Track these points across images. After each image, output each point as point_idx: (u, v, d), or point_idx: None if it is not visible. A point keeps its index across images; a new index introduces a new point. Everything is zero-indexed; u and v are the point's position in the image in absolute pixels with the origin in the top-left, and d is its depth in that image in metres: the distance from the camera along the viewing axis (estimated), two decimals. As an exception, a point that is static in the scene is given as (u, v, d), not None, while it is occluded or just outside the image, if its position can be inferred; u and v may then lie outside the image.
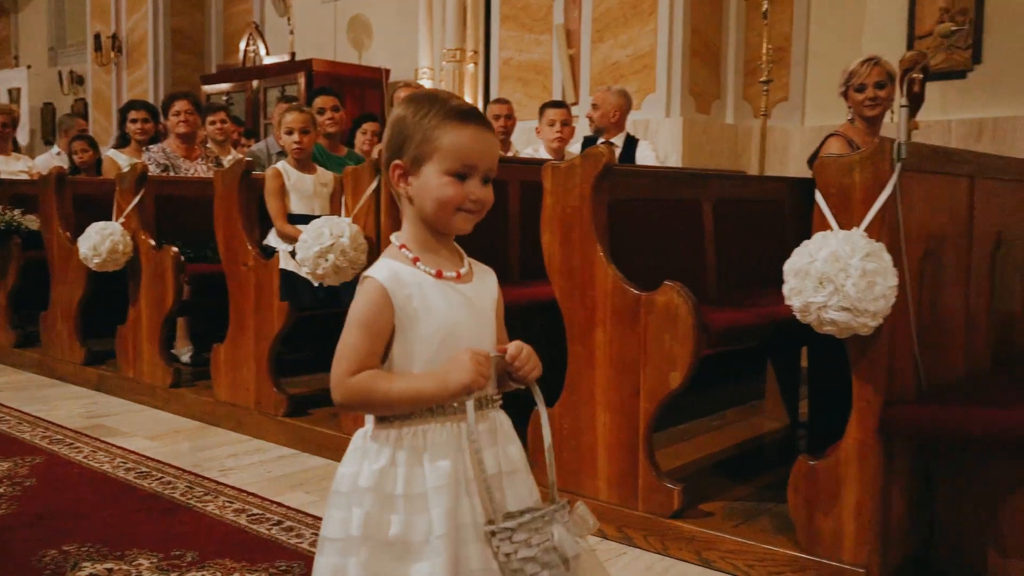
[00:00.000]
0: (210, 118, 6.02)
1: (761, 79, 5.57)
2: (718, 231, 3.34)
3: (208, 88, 10.26)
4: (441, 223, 1.45)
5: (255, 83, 9.83)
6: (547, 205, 2.85)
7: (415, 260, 1.46)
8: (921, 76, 4.94)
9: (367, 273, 1.45)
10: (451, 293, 1.46)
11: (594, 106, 5.36)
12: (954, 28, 5.78)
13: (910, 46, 6.60)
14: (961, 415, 2.23)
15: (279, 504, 2.92)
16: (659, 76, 6.83)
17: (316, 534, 2.62)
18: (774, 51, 6.57)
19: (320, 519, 2.74)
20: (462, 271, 1.50)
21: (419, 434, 1.42)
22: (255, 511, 2.85)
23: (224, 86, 10.16)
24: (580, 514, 1.44)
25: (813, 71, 7.18)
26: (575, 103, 7.04)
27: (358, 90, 9.38)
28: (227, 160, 5.47)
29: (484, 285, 1.54)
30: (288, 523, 2.75)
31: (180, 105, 5.34)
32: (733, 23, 7.16)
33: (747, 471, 3.15)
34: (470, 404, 1.40)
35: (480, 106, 8.67)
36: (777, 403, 3.83)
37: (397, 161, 1.45)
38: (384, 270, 1.44)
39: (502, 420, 1.52)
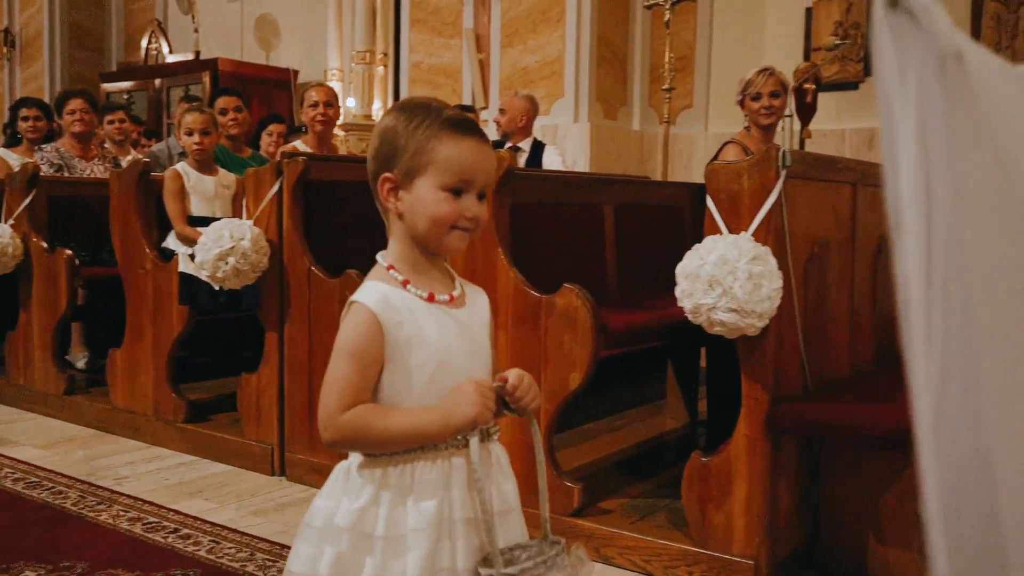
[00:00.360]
0: (108, 117, 5.86)
1: (664, 87, 5.71)
2: (619, 235, 3.42)
3: (108, 86, 9.97)
4: (434, 242, 1.34)
5: (158, 82, 9.59)
6: (450, 209, 2.87)
7: (405, 282, 1.35)
8: (814, 87, 5.14)
9: (354, 298, 1.34)
10: (444, 318, 1.35)
11: (502, 111, 5.41)
12: (838, 42, 6.03)
13: (807, 57, 6.86)
14: (843, 412, 2.34)
15: (176, 512, 2.87)
16: (567, 82, 6.93)
17: (214, 541, 2.61)
18: (678, 60, 6.74)
19: (220, 526, 2.73)
20: (455, 294, 1.38)
21: (407, 472, 1.30)
22: (151, 519, 2.79)
23: (125, 84, 9.90)
24: (578, 555, 1.36)
25: (716, 79, 7.40)
26: (485, 107, 7.10)
27: (265, 91, 9.26)
28: (126, 161, 5.33)
29: (476, 308, 1.42)
30: (185, 531, 2.71)
31: (75, 103, 5.18)
32: (639, 32, 7.32)
33: (647, 469, 3.23)
34: (474, 441, 1.30)
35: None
36: (677, 402, 3.93)
37: (387, 174, 1.34)
38: (372, 294, 1.32)
39: (499, 454, 1.40)
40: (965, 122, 0.56)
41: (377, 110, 8.71)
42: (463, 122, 1.33)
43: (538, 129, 5.90)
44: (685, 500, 2.46)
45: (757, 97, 3.87)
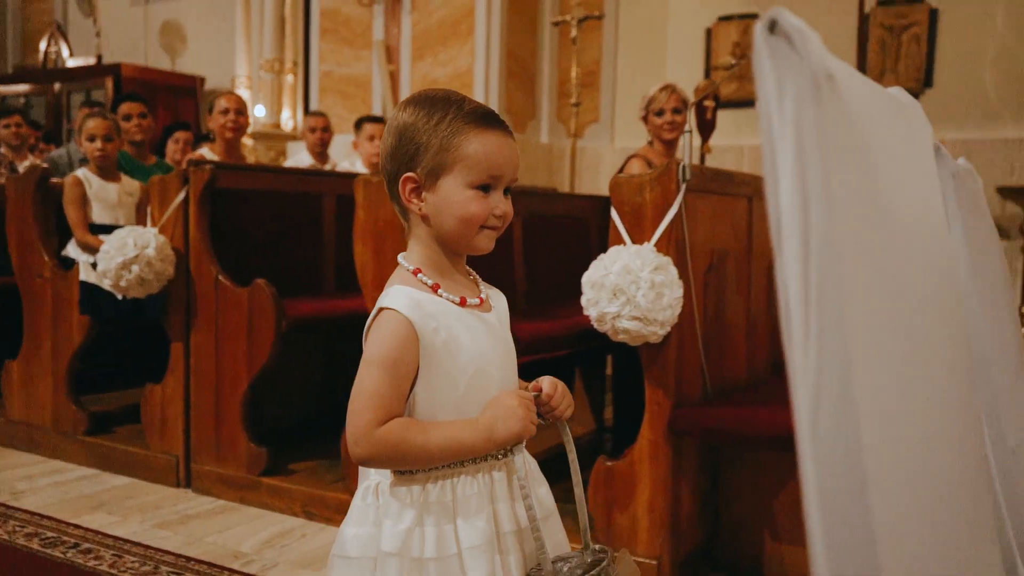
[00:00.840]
0: (4, 121, 5.64)
1: (572, 102, 5.80)
2: (527, 245, 3.46)
3: (3, 89, 9.57)
4: (463, 242, 1.26)
5: (57, 86, 9.25)
6: (359, 218, 2.86)
7: (435, 287, 1.25)
8: (714, 104, 5.29)
9: (383, 304, 1.23)
10: (476, 324, 1.26)
11: (412, 122, 5.39)
12: (733, 62, 6.23)
13: (707, 75, 7.07)
14: (740, 416, 2.42)
15: (77, 526, 2.77)
16: (477, 95, 6.97)
17: (117, 555, 2.53)
18: (585, 76, 6.86)
19: (122, 540, 2.65)
20: (483, 296, 1.31)
21: (447, 488, 1.23)
22: (49, 535, 2.69)
23: (22, 87, 9.51)
24: (626, 561, 1.32)
25: (621, 95, 7.55)
26: (395, 118, 7.07)
27: (171, 97, 9.03)
28: (23, 166, 5.13)
29: (501, 311, 1.35)
30: (87, 545, 2.62)
31: (-31, 107, 4.97)
32: (546, 47, 7.42)
33: (553, 475, 3.26)
34: (519, 456, 1.23)
35: (298, 117, 8.54)
36: (585, 409, 3.99)
37: (409, 174, 1.24)
38: (403, 298, 1.22)
39: (529, 461, 1.34)
40: (836, 139, 0.60)
41: (286, 119, 8.58)
42: (487, 114, 1.25)
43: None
44: (591, 503, 2.50)
45: (660, 113, 3.97)
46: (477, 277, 1.35)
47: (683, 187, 2.37)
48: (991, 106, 6.16)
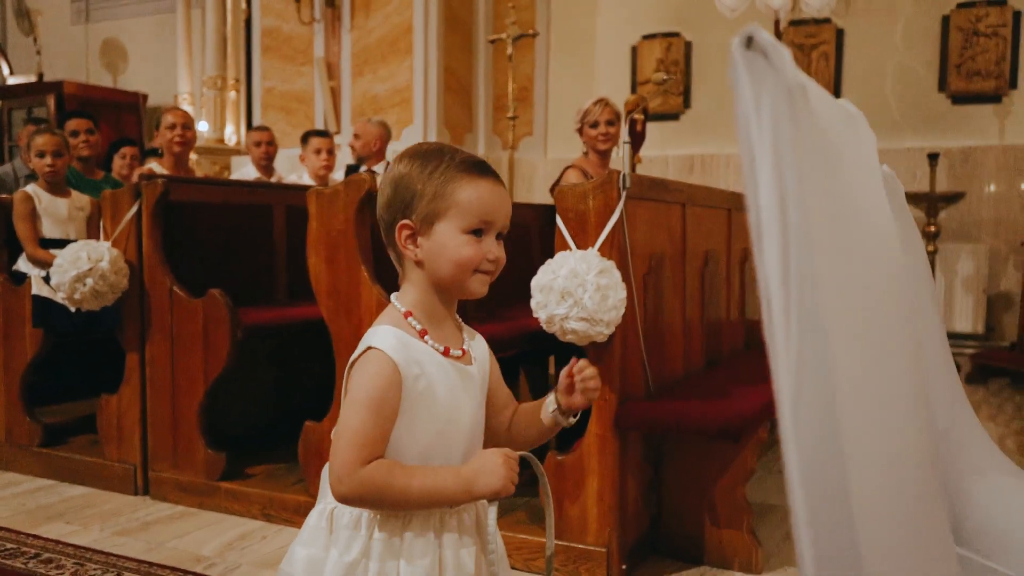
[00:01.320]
0: (-53, 138, 5.41)
1: (508, 115, 5.83)
2: (473, 252, 3.46)
3: (-58, 106, 9.19)
4: (457, 286, 1.25)
5: (-2, 103, 8.93)
6: (312, 229, 2.83)
7: (423, 333, 1.24)
8: (643, 116, 5.37)
9: (370, 343, 1.21)
10: (455, 376, 1.25)
11: (356, 136, 5.36)
12: (665, 76, 6.34)
13: (634, 90, 7.17)
14: (681, 409, 2.46)
15: (36, 536, 2.67)
16: (416, 109, 6.96)
17: (79, 564, 2.45)
18: (519, 91, 6.90)
19: (84, 548, 2.57)
20: (465, 347, 1.30)
21: (396, 526, 1.22)
22: (9, 546, 2.59)
23: (-39, 105, 9.15)
24: None
25: (553, 109, 7.62)
26: (337, 132, 7.02)
27: (114, 114, 8.78)
28: (-32, 183, 4.94)
29: (482, 359, 1.33)
30: (47, 555, 2.53)
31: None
32: (482, 64, 7.44)
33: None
34: (492, 513, 1.21)
35: (242, 133, 8.40)
36: (529, 408, 4.00)
37: (404, 221, 1.23)
38: (391, 340, 1.21)
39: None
40: (809, 145, 0.62)
41: (230, 134, 8.44)
42: (479, 164, 1.25)
43: (390, 154, 5.89)
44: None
45: (595, 125, 4.01)
46: (463, 325, 1.34)
47: (623, 195, 2.40)
48: (893, 118, 6.38)
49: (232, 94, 8.46)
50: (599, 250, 2.37)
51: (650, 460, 2.64)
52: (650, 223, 2.65)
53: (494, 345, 2.86)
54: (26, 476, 3.38)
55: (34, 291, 3.41)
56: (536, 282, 2.34)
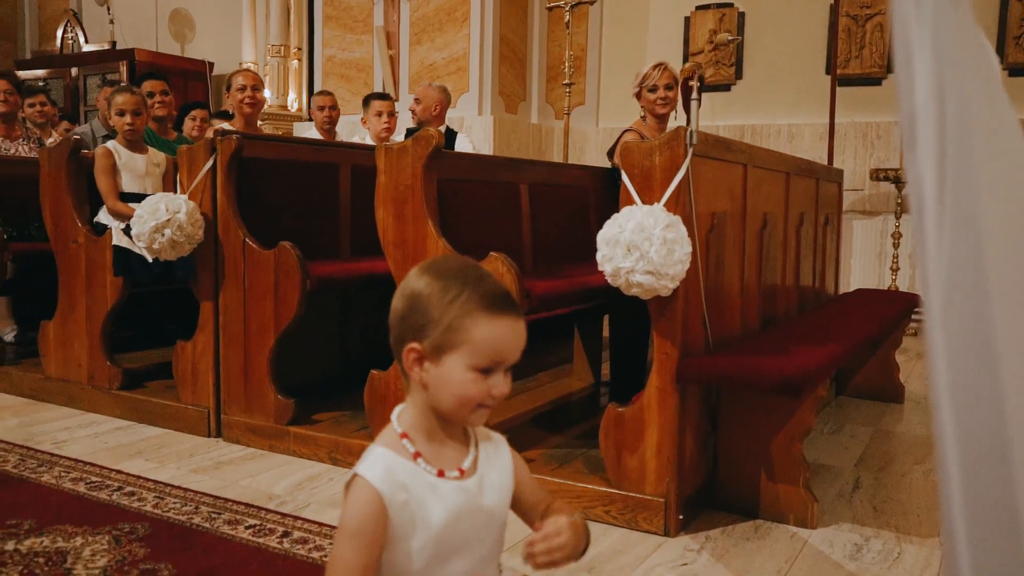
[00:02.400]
0: (29, 100, 5.50)
1: (564, 82, 5.74)
2: (534, 211, 3.42)
3: (23, 74, 9.34)
4: (455, 417, 1.18)
5: (74, 71, 9.06)
6: (381, 183, 2.81)
7: (416, 455, 1.18)
8: (697, 84, 5.25)
9: (358, 471, 1.16)
10: (451, 495, 1.18)
11: (416, 100, 5.32)
12: (731, 38, 6.19)
13: (685, 60, 7.02)
14: (740, 364, 2.40)
15: (119, 471, 2.73)
16: (472, 78, 6.89)
17: (159, 497, 2.49)
18: (572, 60, 6.80)
19: (162, 483, 2.61)
20: (465, 465, 1.21)
21: None
22: (94, 479, 2.65)
23: (40, 72, 9.31)
24: None
25: (605, 78, 7.49)
26: (396, 99, 6.98)
27: (182, 81, 8.85)
28: (49, 142, 5.01)
29: (493, 466, 1.24)
30: (129, 488, 2.58)
31: (-1, 84, 4.84)
32: (536, 34, 7.34)
33: (559, 424, 3.26)
34: None
35: (303, 100, 8.42)
36: (583, 366, 3.98)
37: (414, 344, 1.16)
38: (378, 468, 1.15)
39: None
40: (969, 43, 0.57)
41: (292, 101, 8.46)
42: (500, 298, 1.16)
43: (447, 120, 5.85)
44: (603, 447, 2.49)
45: (653, 89, 3.92)
46: (478, 432, 1.25)
47: (690, 151, 2.34)
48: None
49: (295, 63, 8.47)
50: (665, 205, 2.31)
51: (708, 416, 2.59)
52: (713, 182, 2.59)
53: (557, 301, 2.83)
54: (107, 416, 3.45)
55: (114, 242, 3.45)
56: (602, 236, 2.29)
